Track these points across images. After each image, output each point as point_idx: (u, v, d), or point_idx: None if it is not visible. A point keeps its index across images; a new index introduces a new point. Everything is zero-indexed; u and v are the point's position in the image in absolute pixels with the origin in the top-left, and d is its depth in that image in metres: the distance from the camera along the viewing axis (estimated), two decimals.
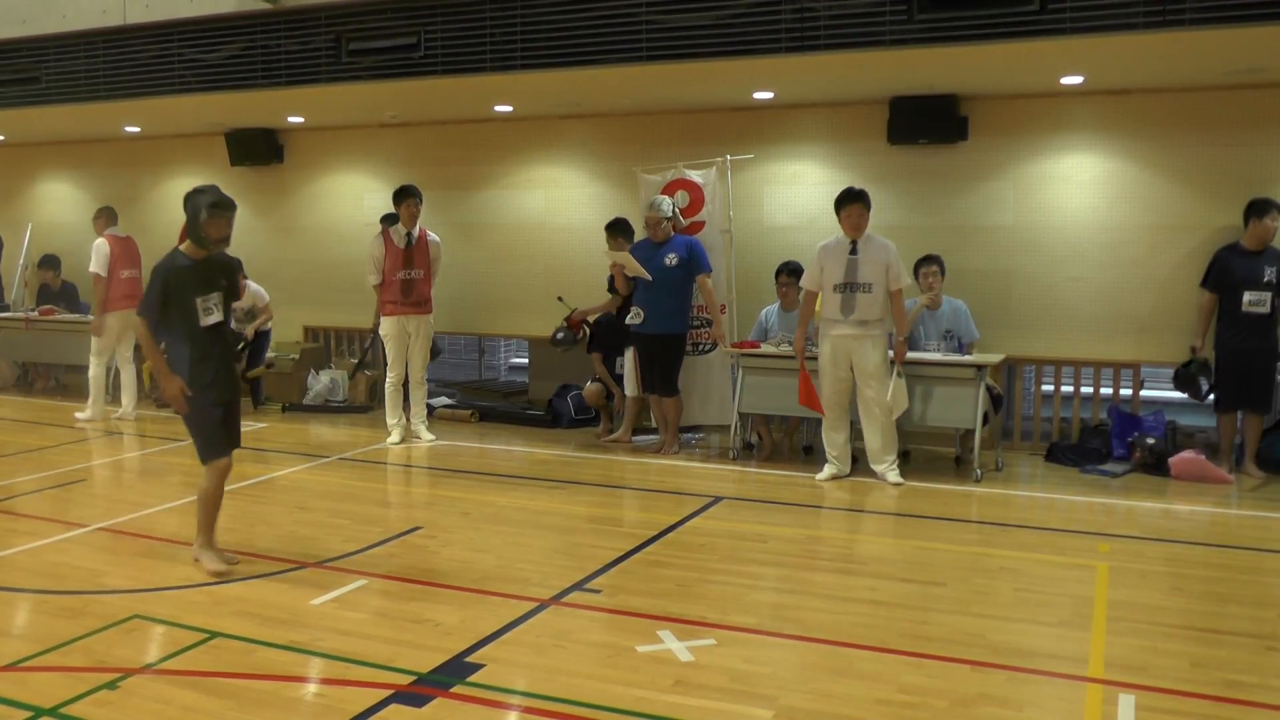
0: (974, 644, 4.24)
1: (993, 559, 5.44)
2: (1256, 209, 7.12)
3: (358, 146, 10.68)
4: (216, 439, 5.12)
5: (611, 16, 7.23)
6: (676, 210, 8.19)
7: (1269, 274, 7.05)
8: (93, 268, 9.33)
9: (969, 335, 7.51)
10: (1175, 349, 7.64)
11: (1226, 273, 7.17)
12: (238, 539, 5.73)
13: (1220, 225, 7.48)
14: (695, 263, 7.95)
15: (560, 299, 8.85)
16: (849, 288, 6.94)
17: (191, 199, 4.98)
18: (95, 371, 9.50)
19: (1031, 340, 8.19)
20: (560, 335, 8.85)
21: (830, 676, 3.94)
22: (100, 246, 9.38)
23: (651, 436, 8.47)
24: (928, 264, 7.62)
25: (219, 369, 5.11)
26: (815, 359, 7.17)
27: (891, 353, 7.02)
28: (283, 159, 11.00)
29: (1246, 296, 7.04)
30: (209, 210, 4.93)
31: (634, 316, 8.02)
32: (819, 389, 7.17)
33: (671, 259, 7.92)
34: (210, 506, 5.17)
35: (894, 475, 7.06)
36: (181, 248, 5.07)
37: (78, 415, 9.51)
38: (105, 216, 9.72)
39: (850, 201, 6.97)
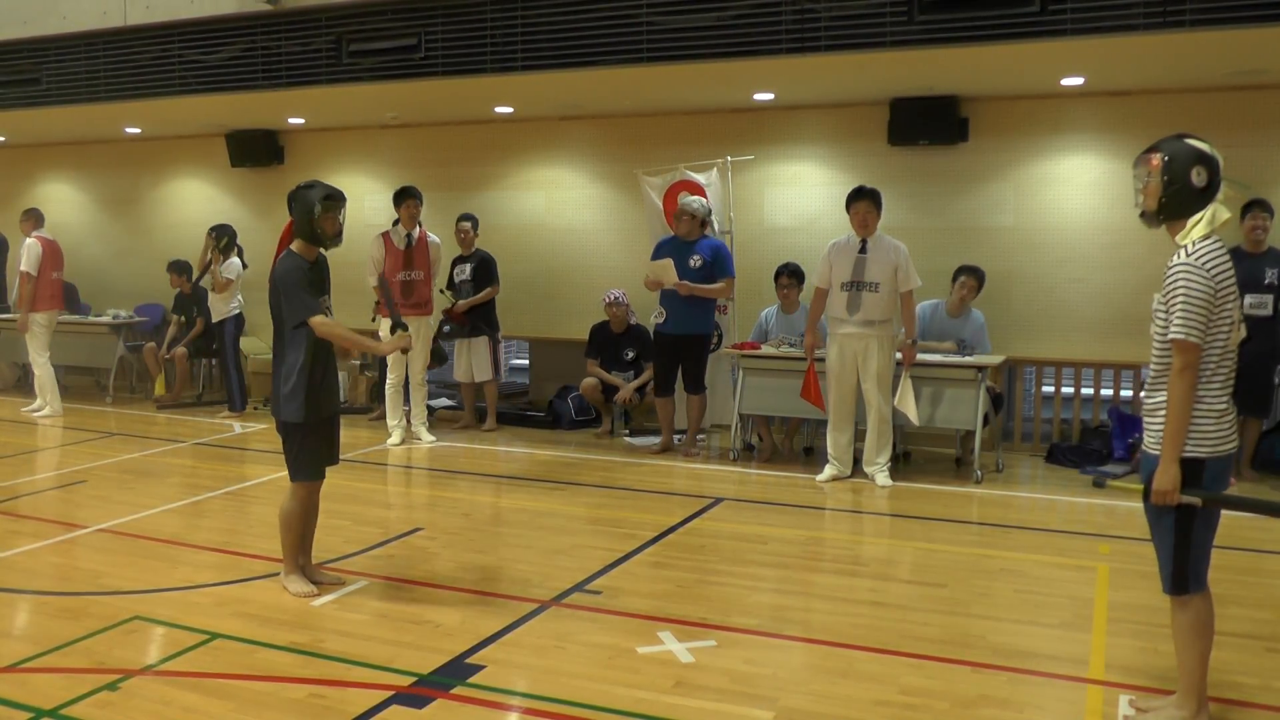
0: (975, 645, 4.24)
1: (993, 560, 5.44)
2: (1245, 209, 7.14)
3: (358, 148, 10.69)
4: (319, 456, 4.81)
5: (612, 18, 7.23)
6: (711, 217, 8.18)
7: (1270, 276, 7.04)
8: (24, 266, 9.57)
9: (982, 348, 7.47)
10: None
11: None
12: (238, 540, 5.73)
13: (1242, 225, 7.44)
14: (720, 267, 7.93)
15: (442, 291, 9.05)
16: (855, 286, 6.93)
17: (301, 196, 4.69)
18: (42, 371, 9.74)
19: (1032, 341, 8.19)
20: (446, 329, 9.01)
21: (831, 678, 3.94)
22: (32, 246, 9.62)
23: (653, 438, 8.47)
24: (967, 275, 7.61)
25: (331, 378, 4.87)
26: (824, 360, 7.17)
27: (899, 355, 7.01)
28: (283, 160, 11.00)
29: (1248, 299, 7.01)
30: (323, 204, 4.65)
31: (656, 316, 8.04)
32: (825, 389, 7.17)
33: (696, 261, 7.90)
34: (294, 527, 4.80)
35: (883, 477, 7.05)
36: (293, 248, 4.76)
37: (35, 414, 9.69)
38: (33, 219, 9.93)
39: (858, 199, 6.96)
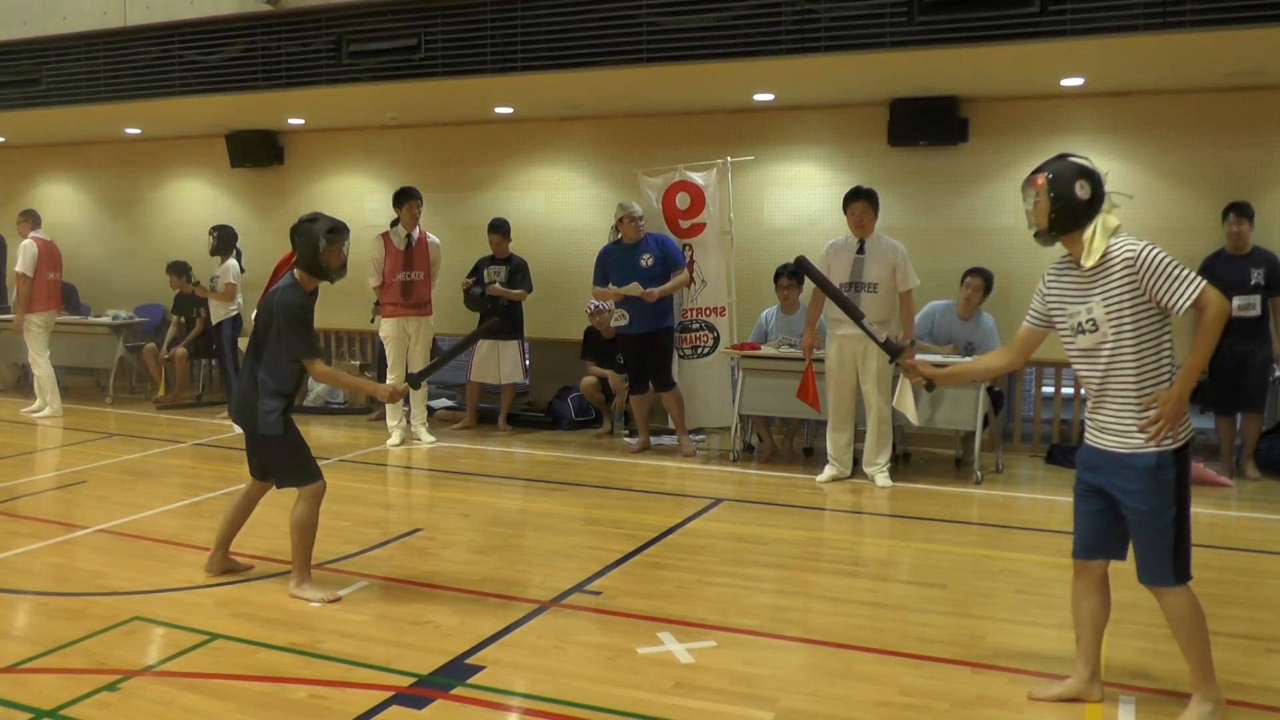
0: (974, 646, 4.25)
1: (993, 561, 5.44)
2: (1225, 213, 7.16)
3: (358, 148, 10.69)
4: (313, 458, 4.90)
5: (612, 18, 7.23)
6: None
7: (1256, 276, 7.06)
8: (19, 268, 9.61)
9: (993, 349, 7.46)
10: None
11: (1213, 279, 7.12)
12: (238, 541, 5.72)
13: (1221, 227, 7.48)
14: (671, 259, 8.05)
15: (476, 286, 9.11)
16: (854, 287, 6.93)
17: (304, 230, 4.75)
18: (42, 371, 9.76)
19: None
20: (475, 290, 9.02)
21: (830, 678, 3.94)
22: (28, 248, 9.65)
23: (631, 440, 8.48)
24: (973, 276, 7.61)
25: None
26: (823, 360, 7.17)
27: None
28: (283, 161, 11.00)
29: (1236, 301, 6.99)
30: (327, 237, 4.71)
31: (619, 319, 8.08)
32: (823, 390, 7.17)
33: (647, 259, 7.99)
34: (311, 535, 4.84)
35: (882, 478, 7.05)
36: (296, 276, 4.80)
37: (34, 415, 9.70)
38: (30, 220, 9.96)
39: (854, 200, 6.96)
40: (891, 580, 5.22)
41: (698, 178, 8.54)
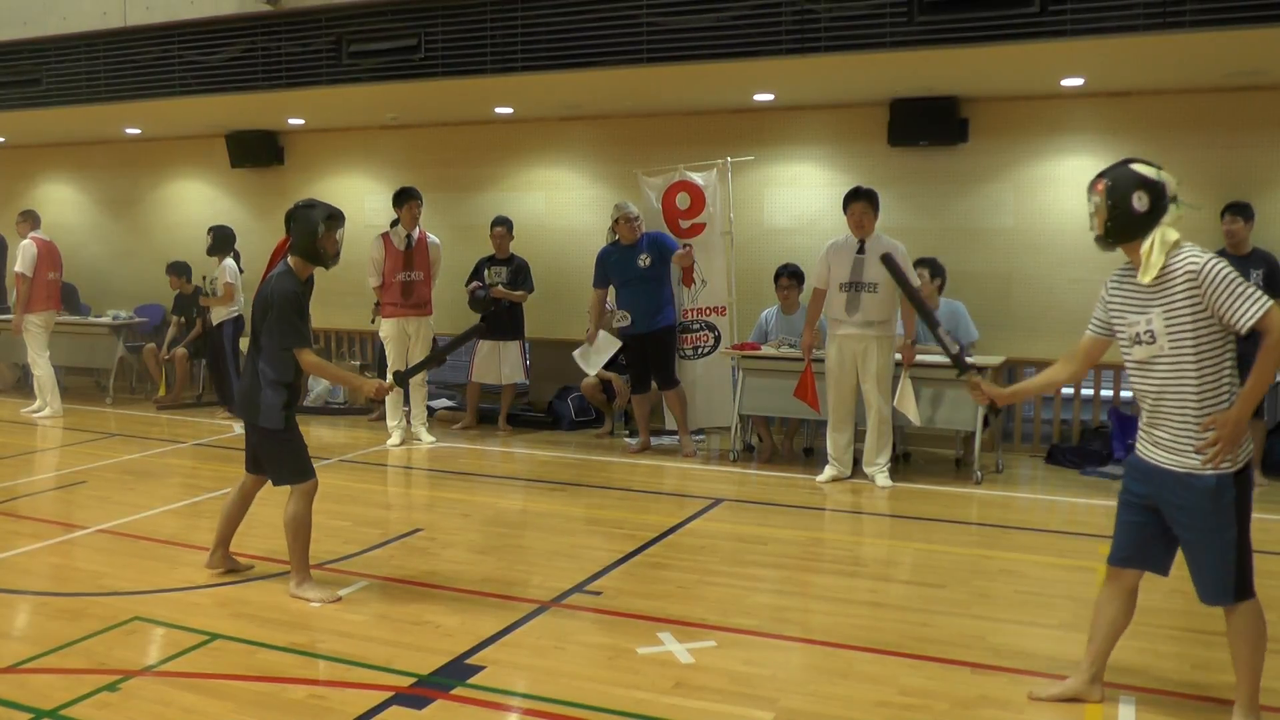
0: (974, 646, 4.24)
1: (993, 561, 5.44)
2: (1221, 213, 7.15)
3: (358, 148, 10.68)
4: (307, 452, 4.89)
5: (612, 18, 7.23)
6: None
7: (1255, 277, 7.04)
8: (19, 268, 9.62)
9: (967, 336, 7.49)
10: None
11: None
12: (238, 541, 5.73)
13: (1221, 227, 7.48)
14: (666, 251, 8.10)
15: (478, 287, 9.07)
16: (854, 287, 6.93)
17: (302, 215, 4.71)
18: (42, 371, 9.76)
19: (1032, 342, 8.18)
20: (481, 293, 8.95)
21: (830, 678, 3.94)
22: (28, 248, 9.66)
23: (631, 440, 8.49)
24: (918, 266, 7.62)
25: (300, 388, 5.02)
26: (822, 360, 7.17)
27: (899, 355, 7.01)
28: (283, 161, 11.00)
29: None
30: (326, 223, 4.68)
31: (620, 319, 8.11)
32: (823, 390, 7.17)
33: (644, 260, 8.02)
34: (306, 533, 4.82)
35: (882, 478, 7.05)
36: (290, 264, 4.77)
37: (34, 415, 9.70)
38: (30, 220, 9.99)
39: (854, 200, 6.96)
40: (891, 580, 5.22)
41: (698, 178, 8.54)
